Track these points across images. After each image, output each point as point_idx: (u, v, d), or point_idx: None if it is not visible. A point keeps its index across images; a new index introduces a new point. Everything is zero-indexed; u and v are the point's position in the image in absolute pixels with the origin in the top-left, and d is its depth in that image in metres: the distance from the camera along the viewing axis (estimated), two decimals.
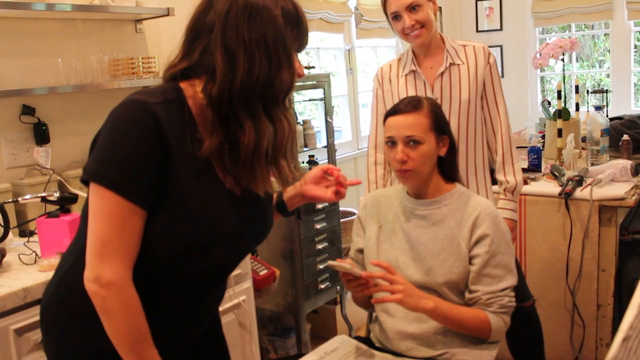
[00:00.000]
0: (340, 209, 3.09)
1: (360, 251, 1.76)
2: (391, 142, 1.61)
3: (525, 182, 2.62)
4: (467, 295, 1.59)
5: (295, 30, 1.14)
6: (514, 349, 2.27)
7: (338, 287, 2.98)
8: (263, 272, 2.36)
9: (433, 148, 1.60)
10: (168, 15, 2.50)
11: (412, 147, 1.58)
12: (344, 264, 1.46)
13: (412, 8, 1.95)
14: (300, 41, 1.17)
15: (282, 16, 1.11)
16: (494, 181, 2.15)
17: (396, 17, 1.99)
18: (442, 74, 2.03)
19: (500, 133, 2.08)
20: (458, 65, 2.04)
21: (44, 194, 1.80)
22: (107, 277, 1.04)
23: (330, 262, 1.49)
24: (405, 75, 2.08)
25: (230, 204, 1.16)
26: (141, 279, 1.09)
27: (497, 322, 1.56)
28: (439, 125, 1.62)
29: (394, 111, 1.63)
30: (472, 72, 2.04)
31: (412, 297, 1.49)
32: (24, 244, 1.85)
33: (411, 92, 2.05)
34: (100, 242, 1.04)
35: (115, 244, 1.04)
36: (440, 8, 4.95)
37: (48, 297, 1.22)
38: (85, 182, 1.08)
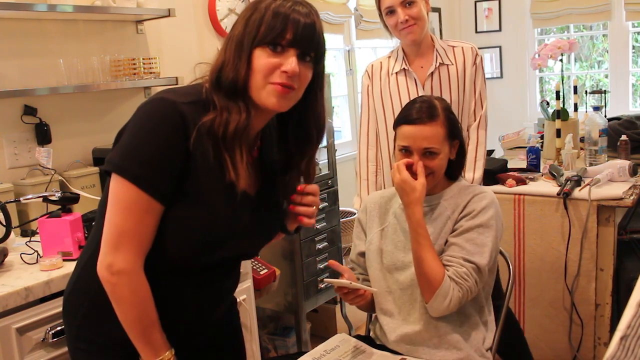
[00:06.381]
0: (340, 208, 3.10)
1: (362, 254, 1.77)
2: (405, 151, 1.61)
3: (524, 182, 2.64)
4: None
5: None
6: (500, 352, 2.27)
7: None
8: (263, 272, 2.37)
9: (447, 155, 1.63)
10: (169, 16, 2.50)
11: (429, 157, 1.58)
12: (343, 280, 1.54)
13: (406, 4, 1.98)
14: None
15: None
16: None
17: (390, 11, 2.01)
18: (432, 73, 2.05)
19: (477, 131, 2.12)
20: (447, 65, 2.06)
21: (45, 194, 1.80)
22: (118, 265, 1.08)
23: (327, 280, 1.58)
24: (396, 73, 2.10)
25: (244, 203, 1.18)
26: (155, 268, 1.12)
27: (447, 286, 1.52)
28: (453, 131, 1.63)
29: (409, 120, 1.60)
30: (460, 73, 2.06)
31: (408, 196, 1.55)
32: (25, 243, 1.85)
33: (403, 90, 2.07)
34: (117, 232, 1.08)
35: (130, 235, 1.08)
36: (439, 9, 4.96)
37: (69, 290, 1.26)
38: (107, 172, 1.11)
